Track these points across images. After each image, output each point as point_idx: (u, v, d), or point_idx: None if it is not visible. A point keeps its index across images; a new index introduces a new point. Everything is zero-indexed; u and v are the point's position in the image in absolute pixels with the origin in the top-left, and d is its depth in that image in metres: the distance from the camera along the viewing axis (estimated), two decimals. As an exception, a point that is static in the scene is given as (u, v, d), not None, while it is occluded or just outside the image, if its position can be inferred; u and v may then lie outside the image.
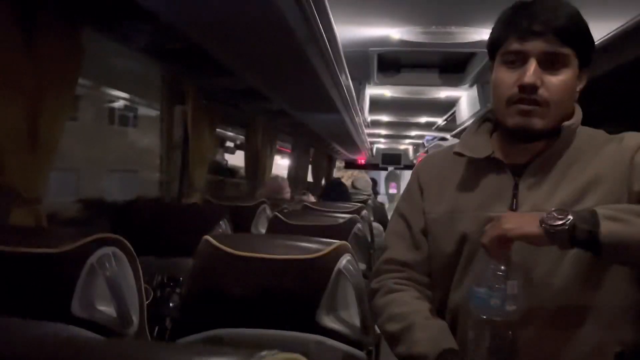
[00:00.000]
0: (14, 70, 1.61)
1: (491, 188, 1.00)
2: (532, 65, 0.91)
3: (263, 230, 2.65)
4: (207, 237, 1.33)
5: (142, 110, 3.49)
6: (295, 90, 2.74)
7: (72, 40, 1.77)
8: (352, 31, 2.80)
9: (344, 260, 1.28)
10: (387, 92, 4.74)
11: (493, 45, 0.99)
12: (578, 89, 0.98)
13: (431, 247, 1.05)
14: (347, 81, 2.66)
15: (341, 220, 2.17)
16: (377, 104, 5.34)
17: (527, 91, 0.92)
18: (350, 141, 5.89)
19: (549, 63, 0.93)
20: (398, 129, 8.28)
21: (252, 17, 1.68)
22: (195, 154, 3.04)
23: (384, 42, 3.00)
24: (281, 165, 7.48)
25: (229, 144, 7.42)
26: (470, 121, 4.55)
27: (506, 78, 0.94)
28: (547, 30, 0.91)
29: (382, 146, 11.73)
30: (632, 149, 0.95)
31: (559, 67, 0.93)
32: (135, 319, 1.27)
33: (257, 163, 4.43)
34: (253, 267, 1.30)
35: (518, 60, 0.93)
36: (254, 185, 4.33)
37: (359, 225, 2.10)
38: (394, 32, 2.82)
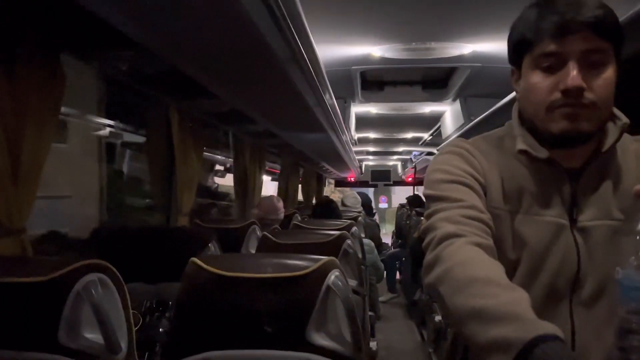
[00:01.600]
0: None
1: (550, 192, 0.93)
2: (575, 66, 0.85)
3: (253, 251, 2.65)
4: (194, 259, 1.33)
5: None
6: (280, 111, 2.75)
7: (52, 69, 1.78)
8: (334, 50, 2.84)
9: (332, 276, 1.28)
10: (372, 109, 4.79)
11: (519, 48, 0.92)
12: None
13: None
14: (331, 100, 2.69)
15: (330, 238, 2.17)
16: (364, 122, 5.38)
17: (573, 95, 0.85)
18: (338, 159, 5.92)
19: (590, 61, 0.86)
20: (386, 146, 8.33)
21: (233, 40, 1.69)
22: (182, 178, 3.04)
23: (366, 60, 3.04)
24: (271, 186, 7.49)
25: (219, 167, 7.43)
26: (455, 135, 4.60)
27: (543, 83, 0.88)
28: (584, 26, 0.84)
29: (371, 163, 11.79)
30: None
31: (601, 64, 0.86)
32: (123, 345, 1.26)
33: (246, 184, 4.42)
34: (241, 287, 1.30)
35: (555, 62, 0.87)
36: (244, 206, 4.32)
37: (348, 241, 2.10)
38: (375, 50, 2.87)
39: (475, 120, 3.67)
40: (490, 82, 3.40)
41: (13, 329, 1.21)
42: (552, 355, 0.63)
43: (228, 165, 8.64)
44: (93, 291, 1.22)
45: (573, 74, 0.84)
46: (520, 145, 0.94)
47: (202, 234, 2.24)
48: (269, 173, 7.02)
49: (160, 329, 1.76)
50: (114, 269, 1.30)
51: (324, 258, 1.33)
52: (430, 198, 0.94)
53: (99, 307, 1.22)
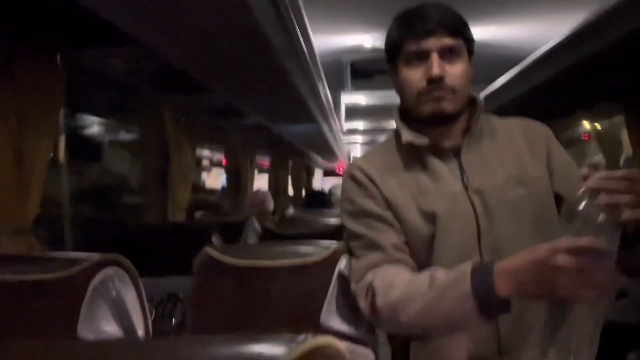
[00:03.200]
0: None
1: (441, 170, 1.09)
2: (435, 59, 1.03)
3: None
4: (207, 249, 1.35)
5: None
6: (274, 102, 2.77)
7: (50, 67, 1.77)
8: (326, 40, 2.86)
9: (344, 260, 1.31)
10: (361, 98, 4.81)
11: (392, 49, 1.10)
12: (470, 76, 1.11)
13: (403, 230, 1.09)
14: (324, 89, 2.71)
15: (331, 227, 2.20)
16: (353, 112, 5.40)
17: (436, 82, 1.03)
18: (328, 150, 5.94)
19: (447, 55, 1.04)
20: (374, 135, 8.36)
21: (229, 31, 1.71)
22: (177, 173, 3.04)
23: (357, 49, 3.07)
24: (261, 179, 7.48)
25: (205, 162, 7.41)
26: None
27: (412, 75, 1.06)
28: (440, 27, 1.04)
29: (359, 154, 11.83)
30: (543, 136, 1.14)
31: (456, 57, 1.05)
32: (141, 337, 1.27)
33: (239, 178, 4.43)
34: (255, 276, 1.32)
35: (419, 58, 1.05)
36: (237, 200, 4.33)
37: (349, 229, 2.13)
38: (367, 39, 2.89)
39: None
40: (480, 66, 3.44)
41: (32, 326, 1.22)
42: (484, 271, 0.89)
43: (214, 160, 8.62)
44: (110, 285, 1.24)
45: (434, 66, 1.03)
46: (405, 137, 1.10)
47: (204, 228, 2.26)
48: (258, 167, 7.01)
49: (173, 320, 1.78)
50: (129, 263, 1.31)
51: (335, 244, 1.35)
52: (349, 233, 1.14)
53: (117, 301, 1.24)
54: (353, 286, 1.11)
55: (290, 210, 4.31)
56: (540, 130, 1.16)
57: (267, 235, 2.16)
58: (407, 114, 1.13)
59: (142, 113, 2.95)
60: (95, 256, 1.25)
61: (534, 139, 1.14)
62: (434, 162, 1.10)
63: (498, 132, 1.14)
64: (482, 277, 0.89)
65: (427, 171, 1.10)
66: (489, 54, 3.11)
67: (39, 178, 1.71)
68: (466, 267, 0.92)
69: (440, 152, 1.10)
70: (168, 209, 3.00)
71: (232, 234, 2.80)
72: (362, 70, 4.03)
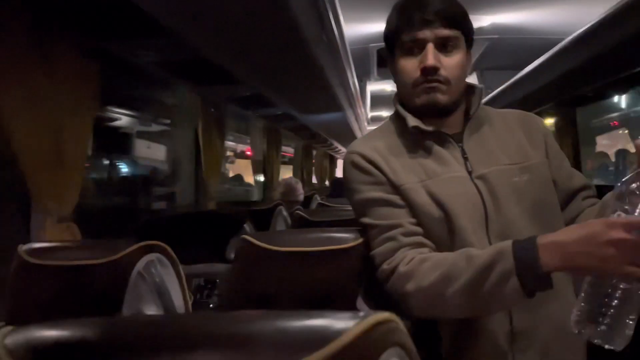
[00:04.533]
0: (36, 91, 1.65)
1: (445, 156, 1.10)
2: (431, 49, 1.03)
3: (283, 231, 2.69)
4: (245, 236, 1.37)
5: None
6: (302, 91, 2.78)
7: (88, 58, 1.82)
8: (353, 28, 2.85)
9: (380, 246, 1.32)
10: (387, 87, 4.80)
11: (390, 38, 1.10)
12: (468, 67, 1.11)
13: (413, 215, 1.08)
14: (352, 78, 2.71)
15: (361, 214, 2.21)
16: (378, 100, 5.39)
17: (430, 72, 1.04)
18: (352, 139, 5.94)
19: (443, 46, 1.05)
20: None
21: (261, 20, 1.72)
22: (207, 162, 3.09)
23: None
24: (285, 169, 7.53)
25: (229, 153, 7.46)
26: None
27: (408, 64, 1.06)
28: (438, 18, 1.03)
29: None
30: (540, 127, 1.17)
31: (452, 48, 1.05)
32: (184, 320, 1.31)
33: (266, 167, 4.47)
34: (293, 261, 1.34)
35: (416, 48, 1.05)
36: (268, 188, 4.37)
37: (379, 216, 2.14)
38: (394, 26, 2.88)
39: (493, 93, 3.67)
40: (508, 53, 3.40)
41: (80, 309, 1.26)
42: (526, 247, 0.89)
43: (238, 151, 8.70)
44: (153, 270, 1.28)
45: (429, 56, 1.03)
46: (412, 122, 1.09)
47: (236, 216, 2.29)
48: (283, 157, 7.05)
49: (211, 305, 1.83)
50: (170, 249, 1.35)
51: (369, 230, 1.37)
52: (361, 223, 1.14)
53: (159, 285, 1.28)
54: (378, 274, 1.10)
55: (316, 199, 4.33)
56: (537, 120, 1.19)
57: (298, 222, 2.18)
58: (404, 104, 1.14)
59: (173, 104, 2.99)
60: (138, 243, 1.29)
61: (532, 128, 1.15)
62: (438, 148, 1.10)
63: (496, 121, 1.16)
64: (525, 252, 0.89)
65: (432, 156, 1.10)
66: (519, 39, 3.06)
67: (80, 169, 1.76)
68: (505, 245, 0.92)
69: (442, 139, 1.11)
70: (199, 198, 3.05)
71: (262, 221, 2.84)
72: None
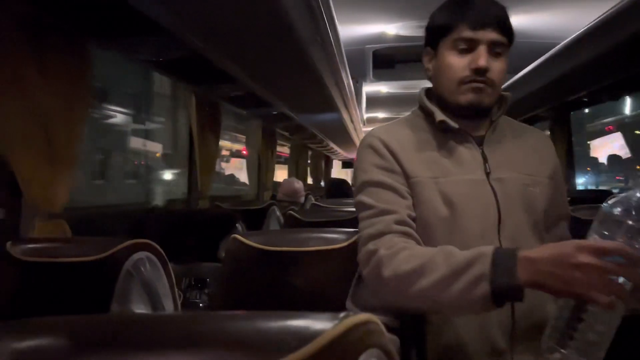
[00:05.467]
0: (28, 87, 1.64)
1: (464, 156, 1.11)
2: (485, 51, 1.05)
3: (276, 231, 2.69)
4: (236, 235, 1.37)
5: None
6: (297, 91, 2.78)
7: (81, 55, 1.81)
8: (349, 29, 2.86)
9: (370, 247, 1.32)
10: (382, 88, 4.80)
11: (439, 32, 1.10)
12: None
13: (418, 210, 1.08)
14: (347, 79, 2.71)
15: (352, 215, 2.21)
16: (373, 101, 5.39)
17: (481, 73, 1.05)
18: (348, 140, 5.94)
19: (493, 50, 1.06)
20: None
21: (257, 20, 1.72)
22: (201, 161, 3.08)
23: (380, 38, 3.06)
24: (280, 169, 7.53)
25: (225, 152, 7.46)
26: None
27: (458, 62, 1.07)
28: (495, 22, 1.06)
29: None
30: (551, 148, 1.20)
31: (500, 54, 1.07)
32: (172, 319, 1.31)
33: (260, 167, 4.46)
34: (283, 261, 1.35)
35: (468, 47, 1.06)
36: (260, 189, 4.37)
37: (372, 218, 2.14)
38: (390, 28, 2.88)
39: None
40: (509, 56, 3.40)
41: (68, 306, 1.26)
42: (508, 256, 0.87)
43: (234, 150, 8.68)
44: (142, 268, 1.28)
45: (483, 57, 1.04)
46: (439, 117, 1.10)
47: (229, 215, 2.29)
48: (278, 156, 7.05)
49: (201, 305, 1.82)
50: (159, 248, 1.35)
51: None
52: (358, 202, 1.12)
53: (148, 283, 1.28)
54: (360, 256, 1.08)
55: (310, 199, 4.34)
56: (549, 142, 1.23)
57: (291, 223, 2.18)
58: (435, 99, 1.14)
59: (168, 102, 2.99)
60: (128, 241, 1.29)
61: (546, 149, 1.19)
62: (459, 148, 1.12)
63: (516, 131, 1.19)
64: (504, 260, 0.88)
65: (451, 155, 1.11)
66: (514, 43, 3.07)
67: (70, 164, 1.75)
68: (486, 249, 0.91)
69: (465, 139, 1.12)
70: (192, 196, 3.05)
71: (255, 221, 2.84)
72: (384, 60, 4.01)
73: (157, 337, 0.45)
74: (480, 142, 1.13)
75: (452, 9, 1.09)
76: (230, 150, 8.50)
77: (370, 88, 4.64)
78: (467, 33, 1.05)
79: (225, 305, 1.43)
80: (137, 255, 1.28)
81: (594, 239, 0.82)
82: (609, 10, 2.09)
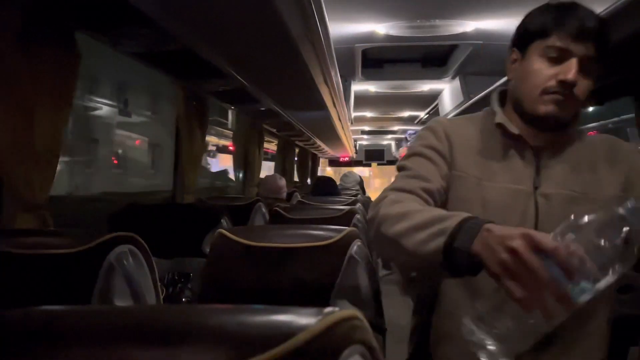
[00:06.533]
0: (12, 78, 1.62)
1: (517, 164, 1.07)
2: (576, 64, 0.98)
3: (261, 228, 2.68)
4: (222, 230, 1.37)
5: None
6: (286, 87, 2.77)
7: (67, 47, 1.79)
8: (339, 28, 2.85)
9: (355, 246, 1.33)
10: (371, 87, 4.81)
11: (532, 35, 1.04)
12: None
13: (451, 206, 1.07)
14: (336, 77, 2.71)
15: (340, 213, 2.21)
16: (361, 100, 5.40)
17: (568, 87, 0.99)
18: (336, 138, 5.94)
19: (584, 66, 1.00)
20: (381, 124, 8.36)
21: (247, 14, 1.71)
22: (187, 156, 3.06)
23: (369, 37, 3.06)
24: (267, 165, 7.51)
25: (211, 147, 7.42)
26: (453, 113, 4.64)
27: (544, 70, 1.02)
28: (594, 37, 0.99)
29: (365, 142, 11.81)
30: (627, 155, 1.10)
31: (589, 72, 1.01)
32: (154, 313, 1.30)
33: (247, 163, 4.45)
34: (268, 256, 1.34)
35: (559, 56, 1.00)
36: (245, 184, 4.35)
37: (358, 216, 2.15)
38: (380, 28, 2.88)
39: (475, 98, 3.71)
40: (491, 59, 3.43)
41: (48, 299, 1.24)
42: (476, 223, 0.81)
43: (220, 145, 8.64)
44: (125, 262, 1.26)
45: (574, 70, 0.98)
46: (499, 119, 1.08)
47: (214, 210, 2.28)
48: (265, 153, 7.03)
49: (183, 299, 1.81)
50: (142, 241, 1.34)
51: (346, 229, 1.37)
52: (400, 165, 1.13)
53: (130, 277, 1.26)
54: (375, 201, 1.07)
55: (296, 196, 4.33)
56: (625, 150, 1.12)
57: (276, 219, 2.18)
58: (512, 102, 1.11)
59: (155, 95, 2.95)
60: (110, 233, 1.28)
61: (617, 158, 1.10)
62: (513, 154, 1.08)
63: (580, 145, 1.11)
64: (471, 226, 0.82)
65: (503, 160, 1.08)
66: (503, 46, 3.09)
67: (54, 155, 1.73)
68: (466, 214, 0.86)
69: (523, 147, 1.08)
70: (177, 191, 3.02)
71: (240, 217, 2.82)
72: (372, 59, 4.02)
73: (139, 330, 0.45)
74: (539, 152, 1.08)
75: (552, 14, 1.02)
76: (216, 145, 8.47)
77: (359, 87, 4.64)
78: (563, 42, 0.99)
79: (209, 300, 1.42)
80: (120, 248, 1.27)
81: (553, 235, 0.76)
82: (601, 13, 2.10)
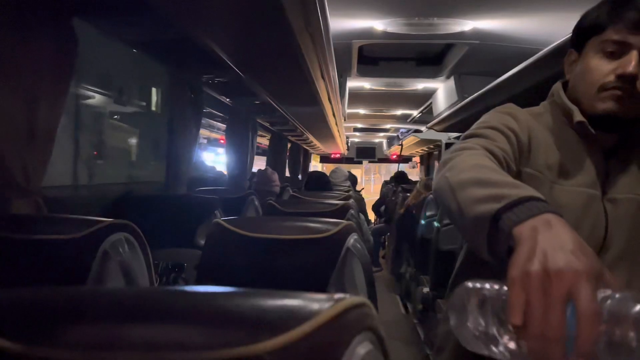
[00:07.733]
0: (9, 62, 1.60)
1: (588, 166, 1.02)
2: (635, 56, 0.93)
3: (254, 221, 2.68)
4: (217, 220, 1.36)
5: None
6: (283, 82, 2.76)
7: (65, 32, 1.77)
8: (337, 23, 2.85)
9: (352, 239, 1.33)
10: (365, 84, 4.81)
11: (588, 31, 1.00)
12: None
13: None
14: (334, 72, 2.71)
15: (334, 207, 2.21)
16: (355, 97, 5.40)
17: (628, 80, 0.94)
18: (329, 134, 5.94)
19: None
20: (374, 122, 8.37)
21: (247, 2, 1.70)
22: (180, 147, 3.04)
23: (367, 34, 3.06)
24: (258, 160, 7.48)
25: (202, 140, 7.37)
26: (447, 112, 4.66)
27: (601, 66, 0.97)
28: None
29: (356, 140, 11.82)
30: None
31: None
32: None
33: (239, 156, 4.43)
34: (265, 247, 1.34)
35: (618, 51, 0.95)
36: (237, 178, 4.34)
37: (351, 211, 2.15)
38: (378, 24, 2.88)
39: (470, 98, 3.71)
40: (487, 59, 3.44)
41: (43, 284, 1.23)
42: (540, 208, 0.66)
43: (211, 138, 8.59)
44: (120, 249, 1.25)
45: (633, 63, 0.93)
46: (579, 117, 1.00)
47: (207, 202, 2.27)
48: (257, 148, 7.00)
49: (177, 290, 1.80)
50: (138, 229, 1.33)
51: (343, 222, 1.38)
52: (467, 133, 1.01)
53: (125, 265, 1.26)
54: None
55: (288, 191, 4.33)
56: None
57: (271, 212, 2.17)
58: (571, 101, 1.04)
59: (149, 85, 2.94)
60: (106, 220, 1.27)
61: None
62: (585, 155, 1.02)
63: None
64: (534, 205, 0.67)
65: (575, 161, 1.02)
66: (499, 46, 3.10)
67: (50, 142, 1.71)
68: (538, 194, 0.71)
69: (595, 148, 1.03)
70: (169, 182, 3.00)
71: (233, 210, 2.82)
72: (368, 56, 4.02)
73: (149, 311, 0.45)
74: (608, 154, 1.03)
75: (609, 7, 0.98)
76: (208, 138, 8.42)
77: (354, 83, 4.64)
78: (620, 35, 0.94)
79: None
80: (115, 236, 1.26)
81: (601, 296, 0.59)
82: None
